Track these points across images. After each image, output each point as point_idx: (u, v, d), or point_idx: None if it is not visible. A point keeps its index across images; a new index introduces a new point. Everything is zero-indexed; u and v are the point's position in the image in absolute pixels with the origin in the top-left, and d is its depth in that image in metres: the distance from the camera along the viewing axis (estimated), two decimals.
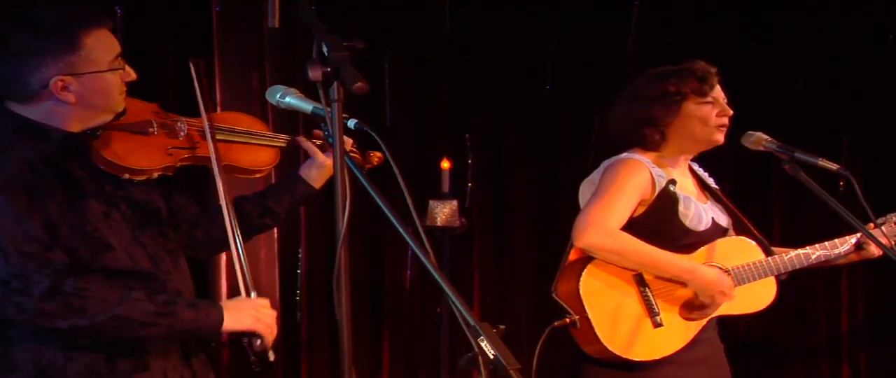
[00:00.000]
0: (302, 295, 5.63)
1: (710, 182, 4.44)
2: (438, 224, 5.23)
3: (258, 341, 3.35)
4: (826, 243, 4.36)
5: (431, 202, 5.20)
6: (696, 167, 4.43)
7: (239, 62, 5.46)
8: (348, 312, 2.72)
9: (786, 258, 4.30)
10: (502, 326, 3.66)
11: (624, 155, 4.28)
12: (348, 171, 2.84)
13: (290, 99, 3.18)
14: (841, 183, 5.64)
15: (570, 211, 6.12)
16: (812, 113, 6.29)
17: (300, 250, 5.60)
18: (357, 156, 3.74)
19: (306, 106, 3.13)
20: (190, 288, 3.43)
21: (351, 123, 2.98)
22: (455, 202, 5.24)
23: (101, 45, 3.26)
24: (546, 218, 6.15)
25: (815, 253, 4.34)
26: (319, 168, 3.65)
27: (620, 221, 4.15)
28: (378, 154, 3.80)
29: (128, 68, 3.33)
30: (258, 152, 3.58)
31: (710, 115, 4.23)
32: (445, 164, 5.27)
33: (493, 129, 6.08)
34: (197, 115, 3.48)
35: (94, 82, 3.24)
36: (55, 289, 3.08)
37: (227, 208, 3.38)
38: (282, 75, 5.50)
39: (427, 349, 5.86)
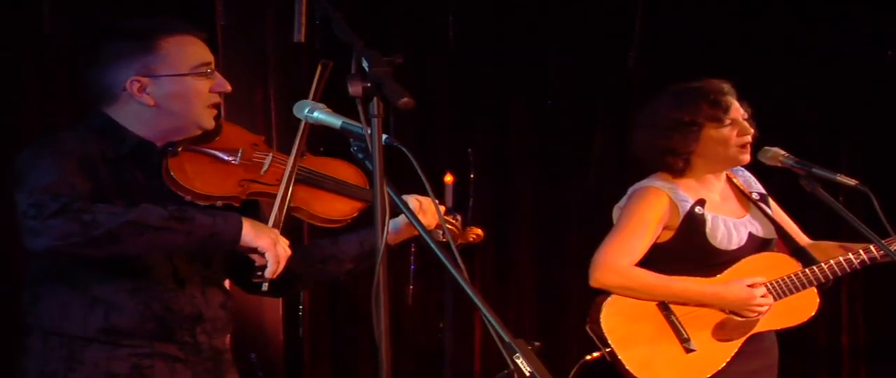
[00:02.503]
0: (304, 311, 5.61)
1: (757, 188, 4.43)
2: (442, 239, 5.22)
3: (265, 263, 3.23)
4: (870, 246, 4.25)
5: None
6: (739, 175, 4.43)
7: (243, 78, 5.43)
8: (387, 329, 2.72)
9: (825, 267, 4.26)
10: (538, 343, 3.66)
11: (646, 182, 4.31)
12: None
13: (319, 114, 3.15)
14: (839, 197, 5.65)
15: (572, 227, 6.18)
16: (812, 126, 6.31)
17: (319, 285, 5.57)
18: (454, 228, 3.67)
19: (335, 121, 3.10)
20: (214, 318, 3.37)
21: (384, 139, 2.95)
22: (459, 217, 5.22)
23: (182, 50, 3.27)
24: (548, 234, 6.15)
25: (857, 258, 4.27)
26: (406, 226, 3.55)
27: (635, 257, 4.20)
28: (476, 231, 3.75)
29: (220, 79, 3.32)
30: (336, 202, 3.44)
31: (730, 137, 4.25)
32: (449, 179, 5.25)
33: (495, 144, 6.07)
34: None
35: (171, 85, 3.25)
36: (65, 208, 3.04)
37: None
38: (286, 91, 5.50)
39: (430, 365, 5.84)
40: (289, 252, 3.24)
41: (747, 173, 4.45)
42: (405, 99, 2.62)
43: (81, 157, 3.17)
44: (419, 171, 2.95)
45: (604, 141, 6.23)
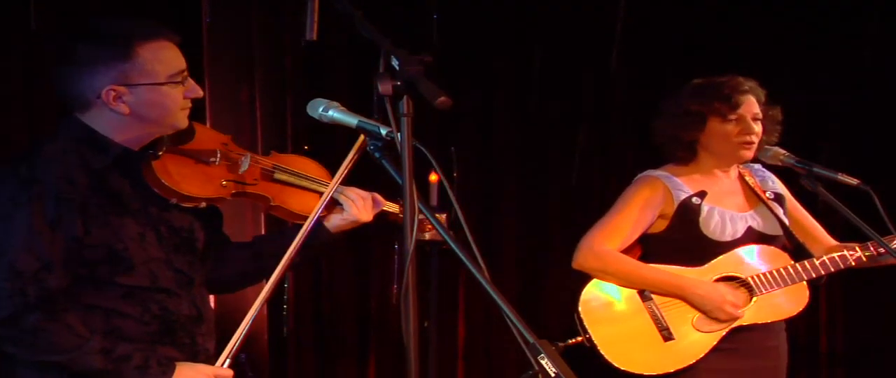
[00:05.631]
0: (289, 310, 5.57)
1: (772, 188, 4.43)
2: (427, 238, 5.19)
3: None
4: (868, 243, 4.29)
5: (419, 216, 5.15)
6: (756, 174, 4.45)
7: (228, 76, 5.39)
8: (416, 330, 2.69)
9: (817, 263, 4.28)
10: (561, 344, 3.66)
11: (646, 172, 4.36)
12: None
13: (334, 113, 3.13)
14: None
15: (556, 224, 6.18)
16: (791, 124, 6.33)
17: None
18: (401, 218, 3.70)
19: (351, 120, 3.09)
20: (208, 319, 3.41)
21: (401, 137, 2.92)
22: (444, 216, 5.20)
23: (159, 58, 3.21)
24: (532, 232, 6.15)
25: (853, 255, 4.30)
26: (347, 220, 3.54)
27: (621, 242, 4.24)
28: (429, 226, 3.74)
29: (192, 84, 3.27)
30: (310, 198, 3.47)
31: (732, 133, 4.28)
32: (433, 178, 5.23)
33: (479, 142, 6.06)
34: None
35: (148, 94, 3.20)
36: (14, 320, 3.07)
37: (289, 260, 3.31)
38: (271, 89, 5.46)
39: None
40: (230, 374, 3.28)
41: (767, 172, 4.48)
42: (443, 98, 2.60)
43: (59, 196, 3.12)
44: (436, 167, 2.95)
45: (587, 139, 6.23)
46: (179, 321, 3.28)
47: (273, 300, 5.51)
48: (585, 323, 4.18)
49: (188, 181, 3.26)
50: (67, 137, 3.22)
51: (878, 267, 4.40)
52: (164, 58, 3.22)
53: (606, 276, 4.24)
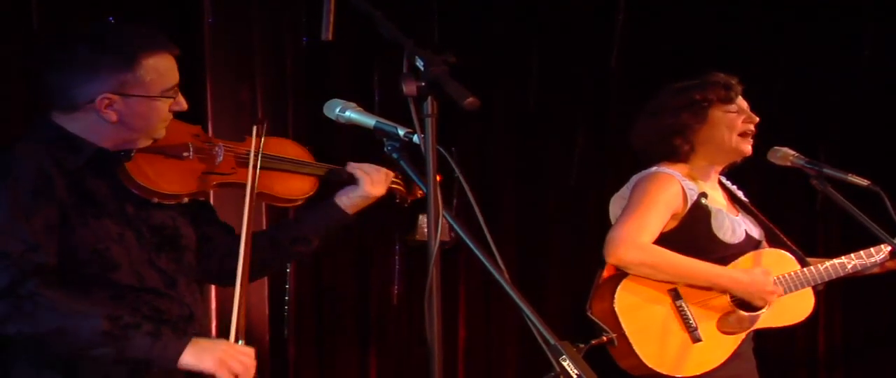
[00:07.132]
0: (290, 311, 5.56)
1: (740, 195, 4.44)
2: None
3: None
4: (861, 253, 4.32)
5: (421, 217, 5.13)
6: (725, 181, 4.44)
7: (229, 75, 5.37)
8: (439, 331, 2.68)
9: (821, 269, 4.30)
10: (582, 345, 3.64)
11: (654, 168, 4.26)
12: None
13: (351, 113, 3.12)
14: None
15: (555, 225, 6.17)
16: (790, 125, 6.36)
17: (288, 266, 5.53)
18: (401, 188, 3.68)
19: (369, 120, 3.08)
20: (202, 316, 3.40)
21: (416, 138, 2.93)
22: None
23: (158, 71, 3.21)
24: (531, 233, 6.14)
25: (850, 263, 4.32)
26: (362, 197, 3.55)
27: (652, 236, 4.13)
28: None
29: (180, 99, 3.28)
30: (295, 181, 3.48)
31: (736, 121, 4.24)
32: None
33: (478, 143, 6.05)
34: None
35: (140, 106, 3.20)
36: (11, 289, 3.02)
37: (245, 242, 3.27)
38: (272, 89, 5.45)
39: (415, 365, 5.81)
40: (248, 363, 3.19)
41: (729, 182, 4.47)
42: (470, 98, 2.59)
43: (37, 181, 3.11)
44: (456, 169, 2.95)
45: (585, 141, 6.23)
46: (171, 320, 3.26)
47: (274, 301, 5.50)
48: (622, 322, 4.08)
49: (165, 179, 3.25)
50: (39, 138, 3.21)
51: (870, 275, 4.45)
52: (163, 72, 3.23)
53: (647, 268, 4.11)
